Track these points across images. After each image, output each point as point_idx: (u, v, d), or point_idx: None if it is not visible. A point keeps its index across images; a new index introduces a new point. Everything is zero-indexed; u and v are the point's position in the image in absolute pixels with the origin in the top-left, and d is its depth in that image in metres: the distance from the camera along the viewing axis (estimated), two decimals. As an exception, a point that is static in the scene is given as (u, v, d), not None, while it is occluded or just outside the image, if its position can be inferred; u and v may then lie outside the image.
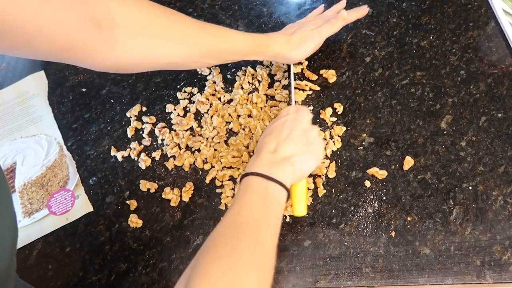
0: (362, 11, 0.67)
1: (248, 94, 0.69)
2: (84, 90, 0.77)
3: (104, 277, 0.59)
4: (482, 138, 0.60)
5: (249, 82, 0.70)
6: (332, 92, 0.67)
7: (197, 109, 0.69)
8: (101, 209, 0.64)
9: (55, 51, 0.45)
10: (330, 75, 0.68)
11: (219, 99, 0.70)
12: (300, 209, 0.54)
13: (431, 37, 0.69)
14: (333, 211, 0.58)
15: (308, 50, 0.64)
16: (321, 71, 0.69)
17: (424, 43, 0.69)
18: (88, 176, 0.68)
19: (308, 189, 0.60)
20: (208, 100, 0.70)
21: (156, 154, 0.67)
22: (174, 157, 0.66)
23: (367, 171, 0.60)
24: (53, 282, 0.60)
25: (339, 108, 0.65)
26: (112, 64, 0.51)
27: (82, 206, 0.65)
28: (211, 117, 0.68)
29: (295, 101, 0.65)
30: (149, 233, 0.61)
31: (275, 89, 0.69)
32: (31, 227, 0.64)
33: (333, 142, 0.62)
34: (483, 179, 0.57)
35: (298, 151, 0.52)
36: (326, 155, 0.62)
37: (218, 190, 0.62)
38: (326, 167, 0.61)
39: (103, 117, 0.73)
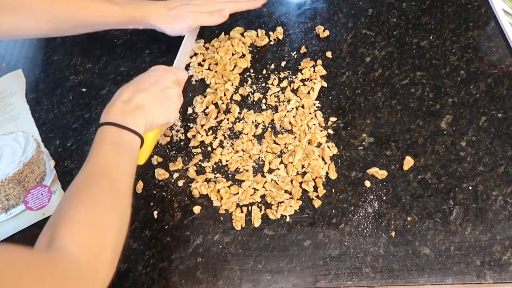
0: (253, 3, 0.69)
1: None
2: (84, 90, 0.77)
3: (104, 277, 0.59)
4: (482, 138, 0.60)
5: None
6: (332, 92, 0.67)
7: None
8: (101, 209, 0.64)
9: None
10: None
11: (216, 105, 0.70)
12: (139, 159, 0.57)
13: (431, 37, 0.69)
14: (333, 211, 0.58)
15: (180, 29, 0.67)
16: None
17: (424, 43, 0.69)
18: (88, 176, 0.68)
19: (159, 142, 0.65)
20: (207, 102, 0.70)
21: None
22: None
23: (367, 171, 0.60)
24: (53, 282, 0.60)
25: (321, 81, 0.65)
26: None
27: (59, 201, 0.65)
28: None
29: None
30: (149, 233, 0.61)
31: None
32: (8, 222, 0.65)
33: (328, 147, 0.62)
34: (483, 179, 0.57)
35: (151, 102, 0.55)
36: (323, 159, 0.62)
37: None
38: (326, 171, 0.61)
39: (103, 117, 0.73)
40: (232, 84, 0.70)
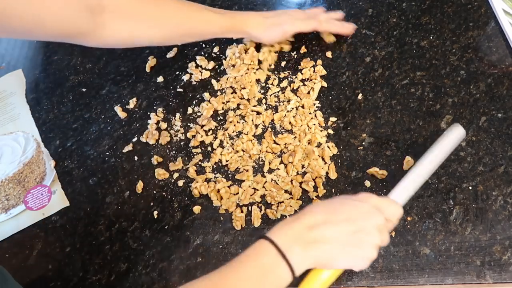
0: (346, 29, 0.70)
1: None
2: (84, 90, 0.77)
3: (104, 277, 0.59)
4: (482, 138, 0.60)
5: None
6: (332, 92, 0.67)
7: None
8: (101, 209, 0.64)
9: (54, 37, 0.54)
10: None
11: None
12: None
13: (431, 37, 0.69)
14: (333, 211, 0.58)
15: (276, 35, 0.68)
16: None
17: (424, 43, 0.69)
18: (88, 176, 0.68)
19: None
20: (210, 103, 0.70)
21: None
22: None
23: (367, 171, 0.60)
24: (53, 282, 0.60)
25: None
26: (102, 43, 0.60)
27: (59, 201, 0.66)
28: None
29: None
30: (149, 233, 0.61)
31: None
32: (8, 222, 0.65)
33: (328, 147, 0.62)
34: (483, 179, 0.57)
35: (336, 241, 0.44)
36: (323, 159, 0.62)
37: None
38: (327, 171, 0.61)
39: (103, 117, 0.73)
40: (248, 92, 0.69)
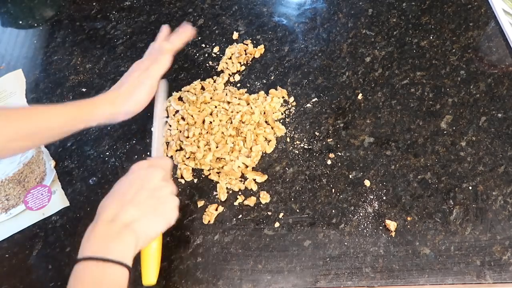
0: (186, 32, 0.62)
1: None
2: (84, 90, 0.77)
3: (104, 277, 0.59)
4: (482, 138, 0.60)
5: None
6: (332, 92, 0.67)
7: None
8: (101, 209, 0.64)
9: None
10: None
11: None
12: (149, 277, 0.49)
13: (431, 37, 0.69)
14: (333, 211, 0.58)
15: (143, 98, 0.57)
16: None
17: (424, 43, 0.69)
18: (88, 176, 0.68)
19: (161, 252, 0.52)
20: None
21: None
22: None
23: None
24: (53, 282, 0.60)
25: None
26: None
27: (59, 201, 0.66)
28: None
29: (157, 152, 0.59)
30: (149, 233, 0.61)
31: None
32: (8, 222, 0.65)
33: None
34: (483, 179, 0.57)
35: (142, 214, 0.47)
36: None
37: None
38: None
39: (103, 117, 0.73)
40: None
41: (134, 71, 0.59)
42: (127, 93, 0.57)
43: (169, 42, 0.61)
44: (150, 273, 0.50)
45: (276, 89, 0.69)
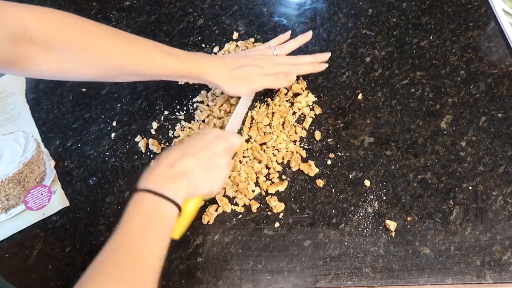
0: (318, 67, 0.65)
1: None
2: (84, 90, 0.77)
3: (104, 277, 0.59)
4: (482, 138, 0.60)
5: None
6: (332, 92, 0.67)
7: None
8: (101, 209, 0.64)
9: None
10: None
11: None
12: (174, 231, 0.51)
13: (431, 37, 0.69)
14: (333, 211, 0.58)
15: (243, 91, 0.61)
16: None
17: (424, 43, 0.69)
18: (88, 176, 0.68)
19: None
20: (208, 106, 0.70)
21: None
22: None
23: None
24: (53, 282, 0.60)
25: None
26: (30, 75, 0.54)
27: (59, 201, 0.66)
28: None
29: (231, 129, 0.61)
30: (149, 233, 0.61)
31: None
32: (8, 222, 0.65)
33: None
34: (483, 179, 0.57)
35: (197, 168, 0.51)
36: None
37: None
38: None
39: (103, 117, 0.73)
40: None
41: (258, 65, 0.62)
42: (235, 78, 0.60)
43: (297, 64, 0.64)
44: (177, 228, 0.52)
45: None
